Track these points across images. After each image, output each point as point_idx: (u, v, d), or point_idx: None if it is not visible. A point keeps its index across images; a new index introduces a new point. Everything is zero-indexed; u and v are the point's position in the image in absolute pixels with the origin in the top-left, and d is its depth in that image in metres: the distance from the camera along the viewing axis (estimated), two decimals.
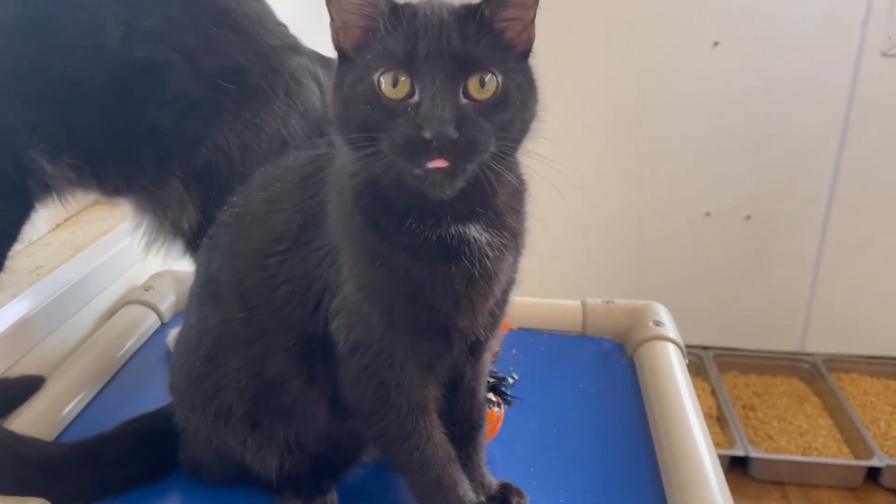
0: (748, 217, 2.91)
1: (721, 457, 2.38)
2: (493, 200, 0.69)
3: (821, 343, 2.99)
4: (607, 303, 1.16)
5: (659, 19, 2.70)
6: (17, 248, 1.12)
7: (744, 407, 2.77)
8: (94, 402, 0.97)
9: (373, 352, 0.70)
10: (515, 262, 0.74)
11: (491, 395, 0.90)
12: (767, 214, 2.89)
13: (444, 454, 0.75)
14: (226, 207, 0.81)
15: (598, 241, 2.98)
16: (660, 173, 2.89)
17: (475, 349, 0.77)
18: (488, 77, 0.62)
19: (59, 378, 0.98)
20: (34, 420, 0.89)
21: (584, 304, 1.17)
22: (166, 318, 1.15)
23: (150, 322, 1.13)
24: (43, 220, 1.21)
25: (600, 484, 0.84)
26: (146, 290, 1.17)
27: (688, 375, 1.01)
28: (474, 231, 0.67)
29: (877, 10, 2.57)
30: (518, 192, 0.73)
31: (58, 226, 1.24)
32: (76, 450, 0.84)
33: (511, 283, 0.75)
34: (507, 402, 0.92)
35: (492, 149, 0.63)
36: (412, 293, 0.68)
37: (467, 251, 0.67)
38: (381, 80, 0.62)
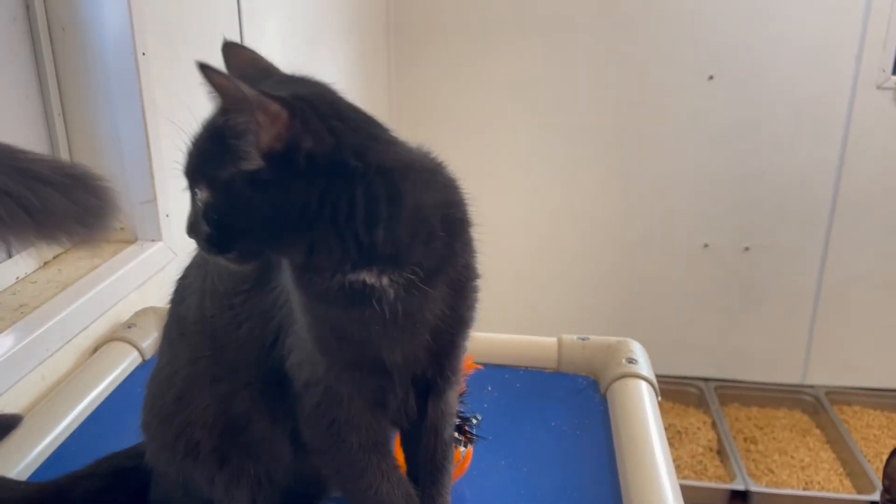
0: (747, 248, 2.91)
1: (721, 491, 2.39)
2: (373, 243, 0.62)
3: (822, 375, 2.97)
4: (583, 339, 1.17)
5: (654, 53, 2.74)
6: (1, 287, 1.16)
7: (745, 440, 2.75)
8: (70, 441, 0.98)
9: (321, 390, 0.71)
10: (456, 296, 0.69)
11: (457, 435, 0.91)
12: (766, 246, 2.89)
13: (402, 493, 0.75)
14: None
15: (596, 275, 2.99)
16: (658, 205, 2.90)
17: (433, 388, 0.78)
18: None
19: (36, 416, 0.99)
20: (8, 459, 0.91)
21: (559, 341, 1.17)
22: (147, 356, 1.17)
23: (131, 359, 1.15)
24: (31, 259, 1.23)
25: None
26: (129, 327, 1.19)
27: (658, 414, 1.01)
28: (366, 276, 0.63)
29: (870, 43, 2.59)
30: (432, 222, 0.65)
31: (46, 263, 1.26)
32: (46, 489, 0.85)
33: (448, 319, 0.69)
34: (472, 442, 0.92)
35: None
36: (338, 334, 0.68)
37: (371, 295, 0.64)
38: None
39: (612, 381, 1.08)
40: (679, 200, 2.89)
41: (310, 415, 0.73)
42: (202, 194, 0.64)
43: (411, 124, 2.74)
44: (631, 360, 1.10)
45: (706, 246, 2.95)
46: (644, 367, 1.10)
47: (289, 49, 1.84)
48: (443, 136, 2.68)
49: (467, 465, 0.92)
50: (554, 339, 1.18)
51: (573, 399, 1.10)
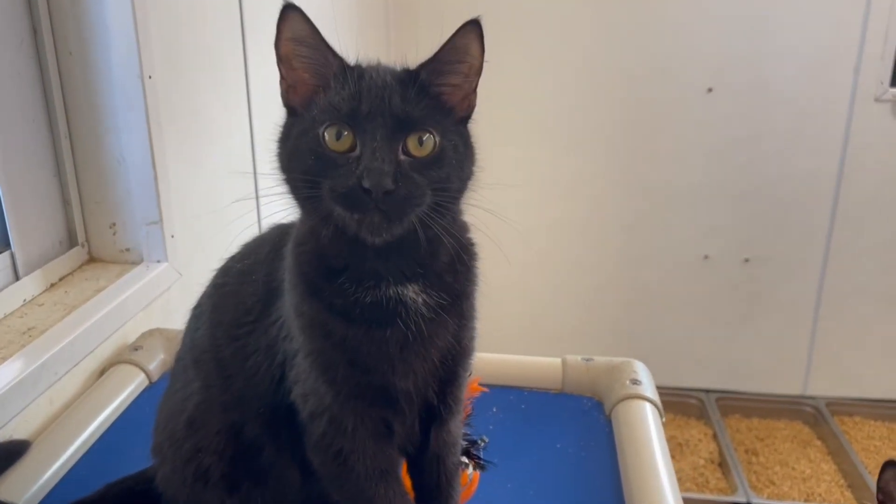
0: (747, 260, 2.93)
1: (722, 503, 2.38)
2: (433, 260, 0.71)
3: (823, 386, 2.98)
4: (587, 360, 1.17)
5: (653, 65, 2.75)
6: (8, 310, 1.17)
7: (746, 451, 2.75)
8: (79, 465, 0.99)
9: (326, 420, 0.72)
10: (461, 327, 0.74)
11: (464, 458, 0.91)
12: (766, 257, 2.90)
13: None
14: (210, 278, 0.84)
15: (597, 287, 3.00)
16: (658, 218, 2.92)
17: (436, 415, 0.78)
18: (426, 136, 0.66)
19: (44, 441, 1.00)
20: (17, 485, 0.91)
21: (564, 362, 1.18)
22: (154, 378, 1.18)
23: (138, 382, 1.15)
24: (37, 280, 1.24)
25: None
26: (135, 349, 1.20)
27: (662, 435, 1.01)
28: (411, 291, 0.69)
29: (868, 56, 2.61)
30: (463, 253, 0.73)
31: (52, 285, 1.27)
32: None
33: (454, 349, 0.74)
34: (480, 466, 0.93)
35: (427, 201, 0.65)
36: (351, 358, 0.70)
37: (403, 312, 0.69)
38: (326, 133, 0.65)
39: (616, 403, 1.09)
40: (679, 212, 2.91)
41: (316, 444, 0.74)
42: (427, 141, 0.66)
43: None
44: (635, 381, 1.11)
45: (706, 257, 2.96)
46: (648, 388, 1.10)
47: None
48: None
49: (474, 488, 0.93)
50: (558, 360, 1.19)
51: (578, 420, 1.10)
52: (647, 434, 1.01)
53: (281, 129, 0.72)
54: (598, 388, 1.15)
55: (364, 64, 0.71)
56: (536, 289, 3.01)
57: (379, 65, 0.71)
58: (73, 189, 1.31)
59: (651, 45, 2.73)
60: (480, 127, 0.72)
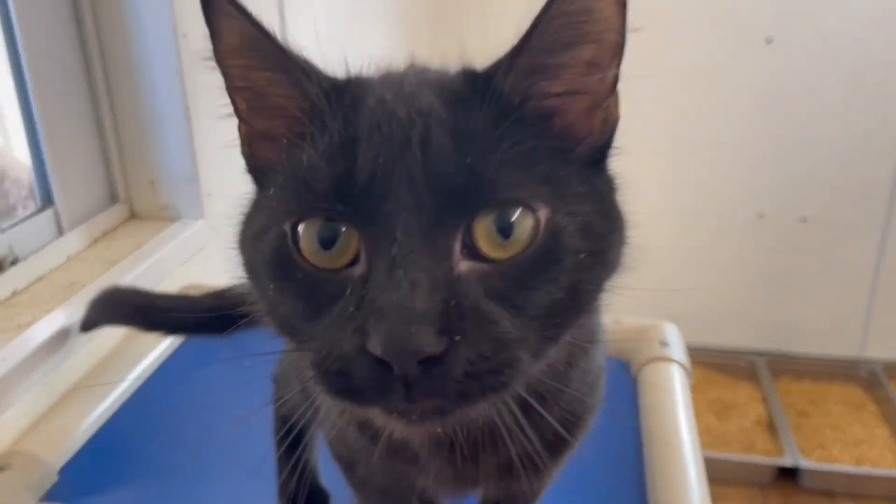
0: (804, 219, 2.83)
1: (769, 467, 2.35)
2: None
3: (880, 349, 2.89)
4: (616, 321, 1.16)
5: (709, 16, 2.64)
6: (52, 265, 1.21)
7: (796, 414, 2.70)
8: (118, 415, 1.03)
9: None
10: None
11: None
12: (824, 216, 2.80)
13: None
14: None
15: (646, 246, 2.94)
16: (711, 174, 2.83)
17: None
18: (515, 216, 0.35)
19: (81, 393, 1.05)
20: (50, 438, 0.96)
21: None
22: None
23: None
24: (80, 236, 1.28)
25: None
26: None
27: (689, 399, 1.00)
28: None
29: None
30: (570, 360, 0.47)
31: (95, 241, 1.31)
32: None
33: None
34: None
35: (525, 358, 0.35)
36: None
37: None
38: (301, 235, 0.36)
39: (643, 365, 1.08)
40: (733, 169, 2.82)
41: None
42: (520, 225, 0.35)
43: None
44: (664, 344, 1.09)
45: (761, 216, 2.87)
46: (677, 350, 1.09)
47: (331, 23, 1.84)
48: None
49: None
50: None
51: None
52: (673, 396, 1.00)
53: (245, 207, 0.46)
54: (625, 350, 1.14)
55: (374, 75, 0.42)
56: None
57: (408, 71, 0.42)
58: (114, 146, 1.35)
59: None
60: None
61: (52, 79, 1.22)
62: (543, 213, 0.35)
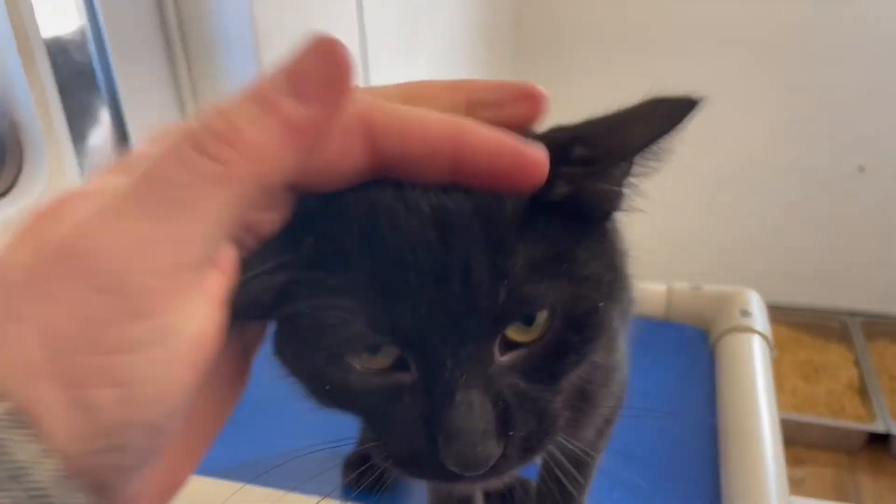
0: None
1: (859, 432, 2.26)
2: None
3: None
4: (695, 288, 1.12)
5: None
6: None
7: (890, 379, 2.57)
8: None
9: None
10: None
11: None
12: None
13: None
14: None
15: (739, 202, 2.82)
16: (808, 125, 2.68)
17: None
18: (538, 314, 0.36)
19: None
20: None
21: (669, 289, 1.13)
22: None
23: None
24: None
25: (658, 478, 0.83)
26: None
27: (770, 370, 0.96)
28: None
29: None
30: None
31: None
32: None
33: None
34: None
35: (565, 412, 0.39)
36: None
37: None
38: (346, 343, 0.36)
39: (722, 334, 1.03)
40: (832, 119, 2.65)
41: None
42: (540, 317, 0.36)
43: None
44: (745, 313, 1.04)
45: (862, 169, 2.70)
46: (759, 320, 1.04)
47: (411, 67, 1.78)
48: None
49: None
50: (663, 287, 1.13)
51: (679, 350, 1.06)
52: (752, 368, 0.95)
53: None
54: (704, 318, 1.09)
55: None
56: (667, 205, 2.87)
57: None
58: (190, 104, 1.37)
59: None
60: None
61: (130, 42, 1.24)
62: (560, 305, 0.37)
